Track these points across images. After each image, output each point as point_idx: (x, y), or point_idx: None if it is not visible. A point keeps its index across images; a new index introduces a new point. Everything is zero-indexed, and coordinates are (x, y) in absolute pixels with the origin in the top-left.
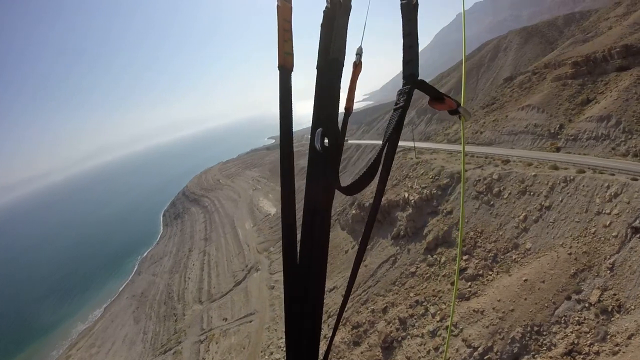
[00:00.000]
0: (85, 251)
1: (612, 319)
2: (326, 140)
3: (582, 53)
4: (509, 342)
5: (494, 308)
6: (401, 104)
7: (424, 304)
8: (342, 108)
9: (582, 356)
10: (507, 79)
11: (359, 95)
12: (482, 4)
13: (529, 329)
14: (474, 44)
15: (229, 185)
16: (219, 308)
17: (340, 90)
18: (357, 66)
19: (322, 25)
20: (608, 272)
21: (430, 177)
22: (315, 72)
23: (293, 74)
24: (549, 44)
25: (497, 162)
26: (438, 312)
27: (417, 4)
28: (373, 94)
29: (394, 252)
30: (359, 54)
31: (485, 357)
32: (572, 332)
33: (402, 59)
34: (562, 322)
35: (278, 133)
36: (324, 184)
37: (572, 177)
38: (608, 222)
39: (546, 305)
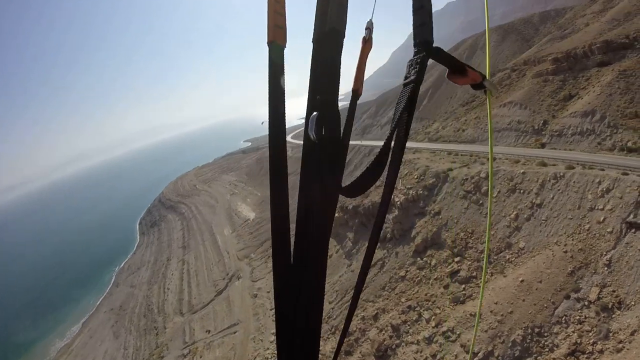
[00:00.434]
0: (61, 262)
1: (613, 316)
2: (324, 129)
3: (562, 49)
4: (510, 345)
5: (491, 311)
6: (412, 78)
7: (416, 309)
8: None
9: (585, 355)
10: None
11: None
12: (455, 4)
13: (529, 330)
14: (447, 44)
15: (205, 191)
16: (201, 319)
17: (341, 67)
18: (367, 42)
19: None
20: (605, 268)
21: (415, 177)
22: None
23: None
24: (525, 42)
25: (483, 160)
26: (433, 317)
27: None
28: (348, 93)
29: (382, 256)
30: (369, 28)
31: None
32: (573, 332)
33: (412, 23)
34: (563, 322)
35: (253, 136)
36: (320, 182)
37: (562, 174)
38: (602, 218)
39: (545, 305)
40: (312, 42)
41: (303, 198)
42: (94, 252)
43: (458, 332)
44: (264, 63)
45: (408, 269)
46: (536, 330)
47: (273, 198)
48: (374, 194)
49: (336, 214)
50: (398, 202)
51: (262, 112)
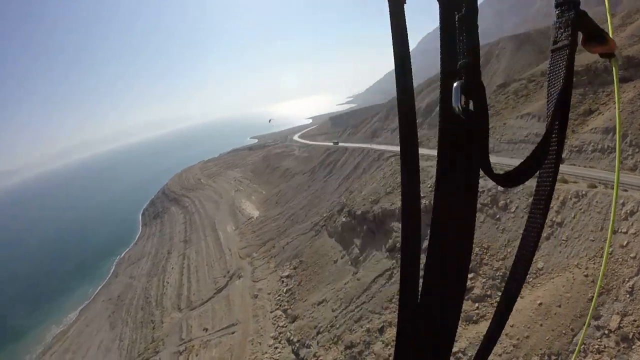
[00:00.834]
0: (61, 250)
1: (634, 346)
2: (471, 103)
3: (582, 62)
4: None
5: (506, 334)
6: (565, 42)
7: None
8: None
9: None
10: (500, 86)
11: (342, 98)
12: None
13: (546, 357)
14: None
15: (210, 186)
16: (199, 317)
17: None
18: None
19: None
20: (627, 296)
21: (429, 185)
22: None
23: (290, 67)
24: (541, 53)
25: (498, 171)
26: None
27: None
28: (357, 96)
29: (390, 266)
30: None
31: None
32: None
33: None
34: (582, 350)
35: (261, 133)
36: (467, 165)
37: (584, 192)
38: (625, 242)
39: (564, 332)
40: None
41: (447, 182)
42: (95, 240)
43: (470, 354)
44: (261, 63)
45: None
46: (553, 357)
47: (405, 195)
48: (385, 200)
49: (343, 219)
50: None
51: (265, 111)
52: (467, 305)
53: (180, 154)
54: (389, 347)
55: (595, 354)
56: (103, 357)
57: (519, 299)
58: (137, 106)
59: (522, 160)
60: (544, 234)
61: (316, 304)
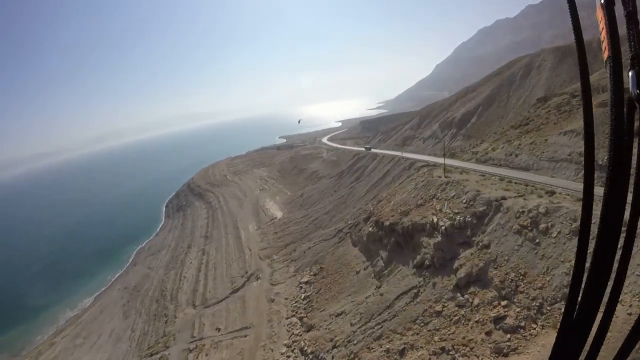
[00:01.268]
0: (84, 233)
1: None
2: None
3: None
4: None
5: None
6: None
7: (451, 352)
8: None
9: None
10: (540, 99)
11: (372, 103)
12: (502, 22)
13: None
14: (491, 61)
15: (235, 183)
16: (213, 316)
17: None
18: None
19: None
20: None
21: (464, 201)
22: None
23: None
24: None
25: (541, 192)
26: None
27: None
28: (387, 102)
29: (416, 284)
30: None
31: None
32: None
33: None
34: None
35: (290, 133)
36: None
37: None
38: None
39: None
40: None
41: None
42: (119, 226)
43: None
44: (308, 62)
45: (445, 304)
46: None
47: (607, 195)
48: (415, 213)
49: (369, 229)
50: (442, 227)
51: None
52: (497, 336)
53: (209, 149)
54: None
55: None
56: (113, 345)
57: (553, 333)
58: (171, 99)
59: None
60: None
61: (334, 315)
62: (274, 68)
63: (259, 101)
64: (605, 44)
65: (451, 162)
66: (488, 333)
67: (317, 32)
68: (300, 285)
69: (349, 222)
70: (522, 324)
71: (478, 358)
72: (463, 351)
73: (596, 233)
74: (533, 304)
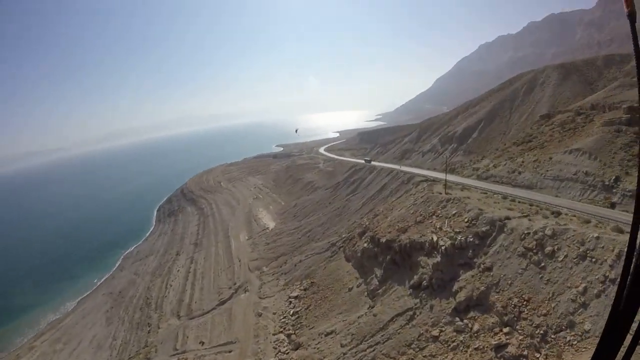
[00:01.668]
0: (74, 235)
1: None
2: None
3: (637, 98)
4: None
5: None
6: None
7: None
8: None
9: None
10: (544, 116)
11: (370, 114)
12: (504, 38)
13: None
14: (492, 77)
15: (229, 190)
16: (197, 328)
17: None
18: None
19: None
20: None
21: (466, 220)
22: None
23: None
24: (588, 84)
25: (546, 212)
26: None
27: None
28: (386, 115)
29: (412, 305)
30: None
31: None
32: None
33: None
34: None
35: (286, 142)
36: None
37: None
38: None
39: None
40: None
41: None
42: (108, 230)
43: None
44: (313, 69)
45: (443, 329)
46: None
47: None
48: (414, 230)
49: (364, 245)
50: (443, 247)
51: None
52: None
53: (206, 154)
54: None
55: None
56: (93, 353)
57: None
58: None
59: None
60: (594, 291)
61: (324, 334)
62: (279, 83)
63: (257, 107)
64: None
65: (451, 178)
66: None
67: (319, 49)
68: (290, 299)
69: (343, 235)
70: (525, 352)
71: None
72: None
73: None
74: (537, 332)
